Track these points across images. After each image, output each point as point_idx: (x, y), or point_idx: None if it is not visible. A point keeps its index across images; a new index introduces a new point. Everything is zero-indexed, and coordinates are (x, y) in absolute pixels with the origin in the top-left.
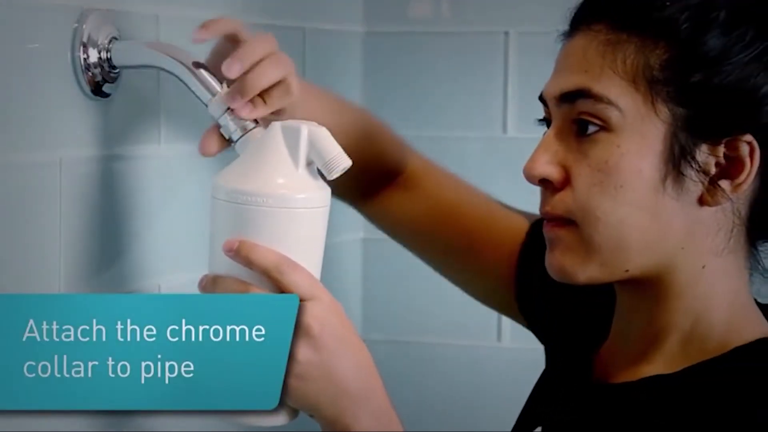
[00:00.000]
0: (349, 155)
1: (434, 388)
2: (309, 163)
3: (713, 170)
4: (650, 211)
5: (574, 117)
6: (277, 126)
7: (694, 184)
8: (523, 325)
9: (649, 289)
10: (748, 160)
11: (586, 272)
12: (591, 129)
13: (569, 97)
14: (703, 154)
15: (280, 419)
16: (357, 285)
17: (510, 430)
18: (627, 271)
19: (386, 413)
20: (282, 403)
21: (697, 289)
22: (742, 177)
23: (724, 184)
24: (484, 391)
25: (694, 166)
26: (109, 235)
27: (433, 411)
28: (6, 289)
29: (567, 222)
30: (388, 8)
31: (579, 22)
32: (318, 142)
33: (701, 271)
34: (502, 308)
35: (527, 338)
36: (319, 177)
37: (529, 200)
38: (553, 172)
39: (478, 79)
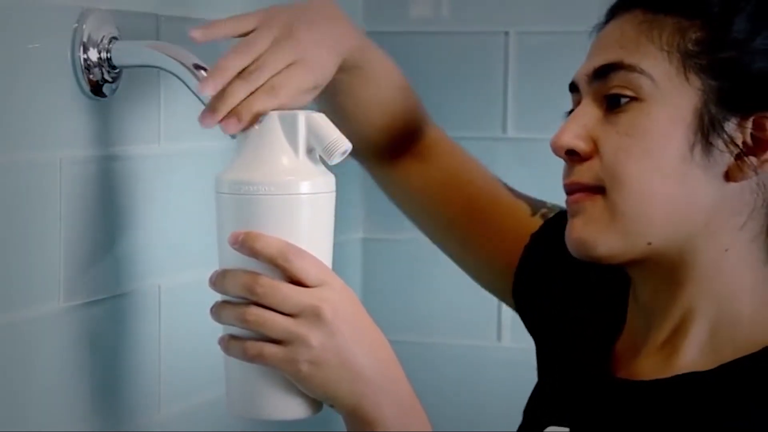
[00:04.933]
0: (382, 114)
1: (434, 388)
2: (309, 150)
3: (740, 144)
4: (677, 180)
5: (605, 93)
6: (274, 116)
7: (721, 156)
8: (513, 308)
9: (671, 272)
10: None
11: (607, 243)
12: (622, 101)
13: (603, 71)
14: (731, 126)
15: (301, 411)
16: (357, 285)
17: (518, 428)
18: (649, 244)
19: (409, 402)
20: (301, 394)
21: (721, 273)
22: None
23: (752, 160)
24: (484, 391)
25: (722, 136)
26: (109, 235)
27: (433, 411)
28: (7, 289)
29: (593, 191)
30: (388, 8)
31: (615, 10)
32: (316, 127)
33: (724, 254)
34: (499, 294)
35: (527, 338)
36: (321, 163)
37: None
38: (580, 144)
39: (478, 79)
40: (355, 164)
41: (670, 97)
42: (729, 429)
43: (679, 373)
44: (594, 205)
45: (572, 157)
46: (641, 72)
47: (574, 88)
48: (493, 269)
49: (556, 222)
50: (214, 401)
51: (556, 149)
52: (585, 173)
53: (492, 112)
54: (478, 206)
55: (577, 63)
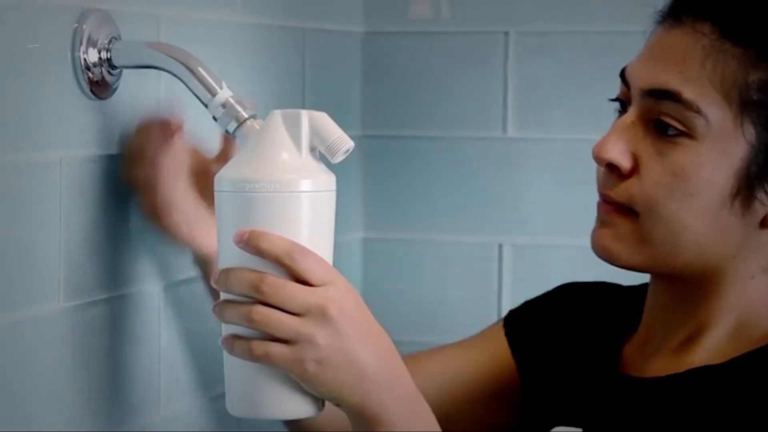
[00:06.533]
0: None
1: None
2: (312, 149)
3: None
4: (712, 222)
5: (656, 116)
6: (277, 114)
7: (761, 207)
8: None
9: (694, 288)
10: None
11: (631, 259)
12: (671, 131)
13: (657, 94)
14: None
15: (304, 410)
16: (357, 285)
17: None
18: (674, 267)
19: (414, 399)
20: (304, 393)
21: (744, 295)
22: None
23: None
24: None
25: (766, 189)
26: (109, 235)
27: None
28: (7, 289)
29: (627, 210)
30: (388, 8)
31: (684, 12)
32: (319, 126)
33: (750, 280)
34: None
35: None
36: (322, 162)
37: (529, 198)
38: (623, 159)
39: (478, 79)
40: (355, 164)
41: (721, 142)
42: (745, 417)
43: (692, 367)
44: (625, 224)
45: (612, 169)
46: (697, 111)
47: (624, 78)
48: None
49: (528, 304)
50: (214, 401)
51: (599, 161)
52: (621, 192)
53: (492, 112)
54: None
55: (577, 63)
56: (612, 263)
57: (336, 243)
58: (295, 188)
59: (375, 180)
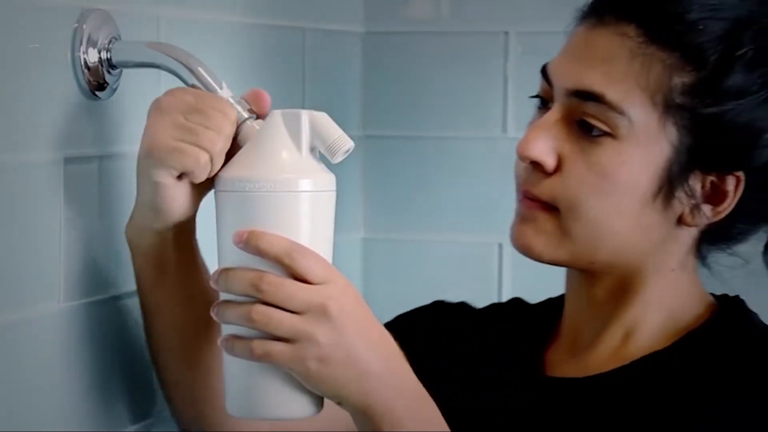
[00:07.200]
0: None
1: None
2: (312, 149)
3: (699, 194)
4: (632, 219)
5: (579, 116)
6: (277, 114)
7: (680, 205)
8: None
9: (617, 283)
10: (732, 191)
11: (552, 255)
12: (595, 132)
13: (581, 95)
14: (694, 179)
15: (304, 410)
16: (357, 285)
17: None
18: (592, 263)
19: (417, 394)
20: (304, 392)
21: (667, 287)
22: (724, 206)
23: (706, 208)
24: None
25: (684, 188)
26: (110, 235)
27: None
28: (7, 289)
29: (549, 207)
30: (388, 8)
31: (607, 12)
32: (319, 126)
33: (670, 273)
34: None
35: None
36: (322, 162)
37: None
38: (547, 158)
39: (478, 79)
40: (355, 164)
41: (645, 142)
42: (703, 399)
43: (635, 359)
44: (546, 220)
45: (535, 166)
46: (621, 113)
47: (545, 75)
48: None
49: (402, 317)
50: None
51: (523, 158)
52: (544, 189)
53: (492, 112)
54: None
55: None
56: (533, 258)
57: (336, 243)
58: (295, 188)
59: (375, 180)
